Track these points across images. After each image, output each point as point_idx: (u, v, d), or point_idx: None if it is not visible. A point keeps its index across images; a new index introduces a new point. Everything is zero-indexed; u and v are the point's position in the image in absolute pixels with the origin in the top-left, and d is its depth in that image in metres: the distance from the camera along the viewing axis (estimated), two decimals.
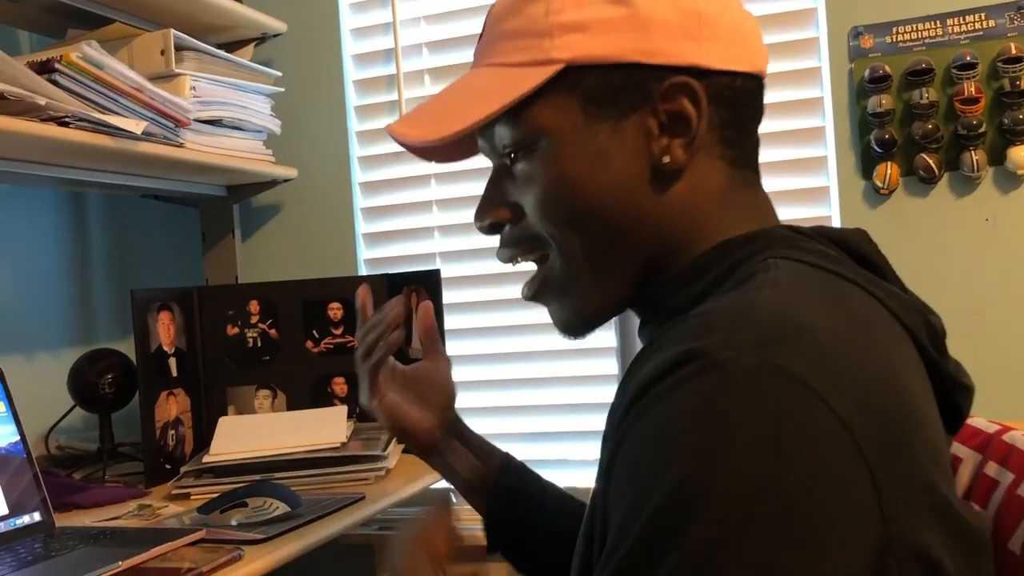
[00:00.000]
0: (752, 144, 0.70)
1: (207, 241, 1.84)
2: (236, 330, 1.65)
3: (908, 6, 1.51)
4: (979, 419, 0.76)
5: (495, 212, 0.71)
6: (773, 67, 1.58)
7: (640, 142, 0.65)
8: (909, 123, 1.50)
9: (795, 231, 0.67)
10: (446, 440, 0.95)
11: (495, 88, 0.66)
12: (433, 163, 0.80)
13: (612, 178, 0.65)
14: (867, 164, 1.54)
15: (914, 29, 1.52)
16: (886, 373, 0.55)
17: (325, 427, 1.48)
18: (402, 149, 0.73)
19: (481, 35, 0.72)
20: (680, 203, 0.66)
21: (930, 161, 1.48)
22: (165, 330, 1.55)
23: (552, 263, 0.69)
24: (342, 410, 1.56)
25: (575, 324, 0.71)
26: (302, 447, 1.41)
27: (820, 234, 0.66)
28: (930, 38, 1.50)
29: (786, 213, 1.52)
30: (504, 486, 0.93)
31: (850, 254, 0.66)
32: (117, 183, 1.55)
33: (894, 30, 1.52)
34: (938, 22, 1.50)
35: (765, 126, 1.58)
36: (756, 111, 0.69)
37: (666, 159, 0.64)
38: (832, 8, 1.56)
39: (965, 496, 0.72)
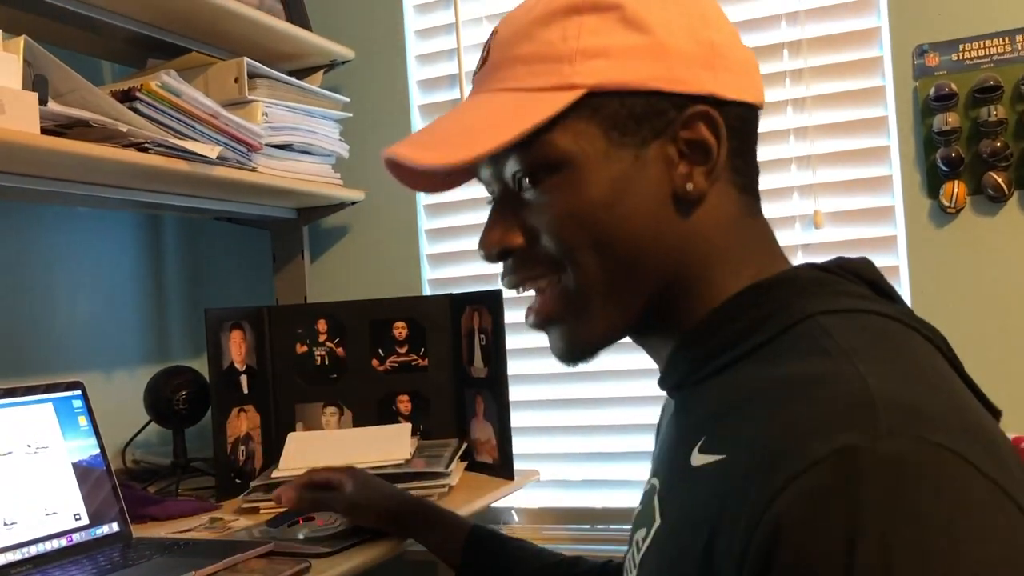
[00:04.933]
0: (755, 172, 0.72)
1: (277, 262, 1.89)
2: (304, 348, 1.69)
3: (975, 23, 1.50)
4: None
5: (508, 238, 0.70)
6: (839, 87, 1.59)
7: (662, 169, 0.66)
8: (976, 141, 1.48)
9: (819, 269, 0.68)
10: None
11: (515, 112, 0.65)
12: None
13: (634, 204, 0.66)
14: (933, 183, 1.52)
15: (981, 46, 1.50)
16: (983, 420, 0.56)
17: (389, 444, 1.51)
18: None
19: (485, 59, 0.72)
20: (699, 230, 0.67)
21: (999, 179, 1.46)
22: (237, 348, 1.60)
23: (566, 285, 0.68)
24: (406, 427, 1.58)
25: (581, 349, 0.71)
26: (367, 463, 1.44)
27: (841, 268, 0.68)
28: (998, 55, 1.48)
29: (852, 232, 1.54)
30: (477, 538, 1.10)
31: (867, 284, 0.67)
32: (192, 206, 1.61)
33: (961, 47, 1.51)
34: (1007, 39, 1.48)
35: (831, 145, 1.58)
36: (756, 140, 0.73)
37: (689, 186, 0.66)
38: (896, 27, 1.55)
39: None
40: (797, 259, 1.61)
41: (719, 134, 0.66)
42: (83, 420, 1.26)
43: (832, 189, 1.60)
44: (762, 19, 1.65)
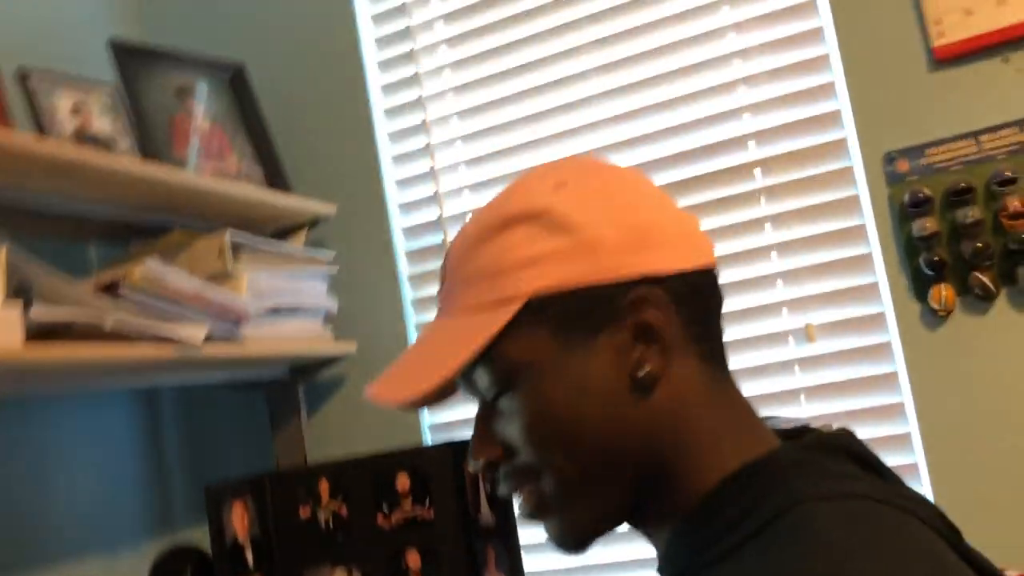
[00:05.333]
0: (719, 336, 0.71)
1: (275, 423, 1.88)
2: (308, 512, 1.66)
3: (939, 127, 1.52)
4: None
5: (487, 452, 0.71)
6: (813, 199, 1.61)
7: (614, 357, 0.66)
8: (957, 242, 1.49)
9: (800, 450, 0.66)
10: None
11: (465, 335, 0.68)
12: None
13: (595, 399, 0.66)
14: (920, 287, 1.52)
15: (948, 149, 1.52)
16: None
17: None
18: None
19: (442, 281, 0.75)
20: (665, 409, 0.66)
21: (984, 279, 1.46)
22: (240, 521, 1.58)
23: (545, 489, 0.69)
24: None
25: (573, 540, 0.71)
26: None
27: (821, 444, 0.66)
28: (965, 156, 1.50)
29: (846, 343, 1.52)
30: None
31: (853, 459, 0.66)
32: (185, 384, 1.61)
33: (927, 152, 1.53)
34: (971, 140, 1.50)
35: (814, 258, 1.57)
36: (717, 302, 0.71)
37: (645, 368, 0.66)
38: (863, 136, 1.57)
39: None
40: (795, 375, 1.61)
41: (663, 311, 0.66)
42: None
43: (821, 301, 1.60)
44: (729, 141, 1.67)
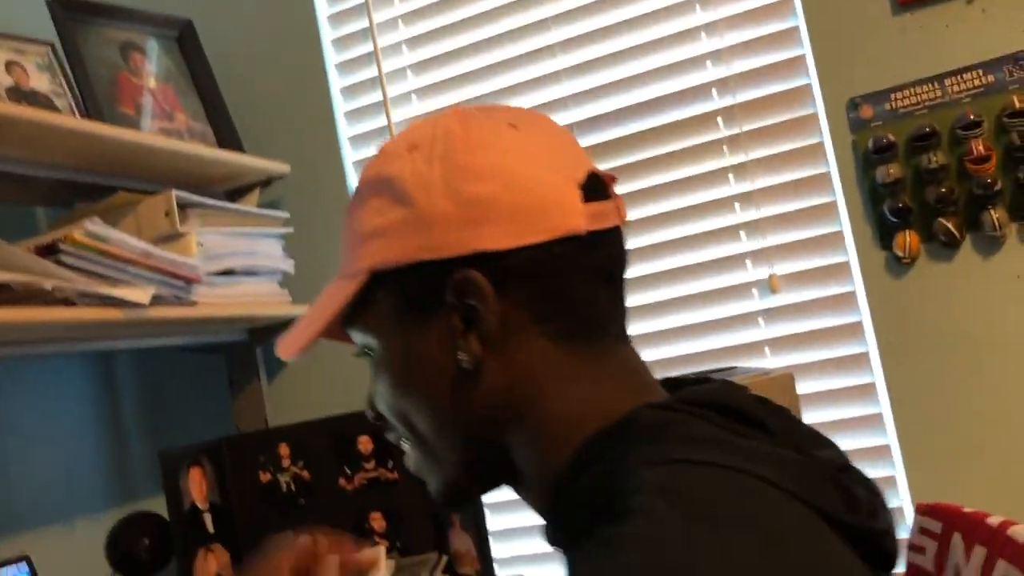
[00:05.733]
0: (587, 310, 0.64)
1: (234, 387, 1.84)
2: (269, 476, 1.63)
3: (903, 71, 1.49)
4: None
5: (370, 406, 0.72)
6: (778, 147, 1.58)
7: (445, 340, 0.64)
8: (922, 189, 1.46)
9: (666, 408, 0.60)
10: None
11: (323, 303, 0.68)
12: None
13: (430, 378, 0.65)
14: (885, 235, 1.50)
15: (912, 93, 1.49)
16: None
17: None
18: None
19: None
20: (501, 391, 0.63)
21: (949, 225, 1.44)
22: (197, 487, 1.54)
23: (410, 447, 0.70)
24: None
25: (441, 499, 0.70)
26: None
27: (691, 402, 0.60)
28: (930, 100, 1.47)
29: (810, 293, 1.50)
30: None
31: (727, 413, 0.60)
32: (138, 347, 1.57)
33: (892, 96, 1.50)
34: (936, 83, 1.47)
35: (778, 208, 1.55)
36: (582, 275, 0.64)
37: (461, 356, 0.62)
38: (826, 82, 1.54)
39: None
40: (760, 328, 1.59)
41: (487, 293, 0.61)
42: None
43: (785, 252, 1.58)
44: (694, 88, 1.64)
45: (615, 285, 0.67)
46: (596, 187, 0.65)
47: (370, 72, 1.85)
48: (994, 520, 0.81)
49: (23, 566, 1.20)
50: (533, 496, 0.66)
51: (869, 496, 0.60)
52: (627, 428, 0.60)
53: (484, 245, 0.62)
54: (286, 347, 0.69)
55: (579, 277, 0.64)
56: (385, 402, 0.68)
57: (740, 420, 0.60)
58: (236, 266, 1.60)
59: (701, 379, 0.69)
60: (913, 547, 0.93)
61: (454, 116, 0.66)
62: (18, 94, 1.41)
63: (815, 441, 0.64)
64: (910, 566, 0.93)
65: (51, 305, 1.23)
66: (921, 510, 0.94)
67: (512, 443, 0.64)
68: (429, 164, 0.64)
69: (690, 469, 0.54)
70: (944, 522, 0.90)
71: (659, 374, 0.69)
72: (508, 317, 0.62)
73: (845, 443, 1.51)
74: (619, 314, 0.67)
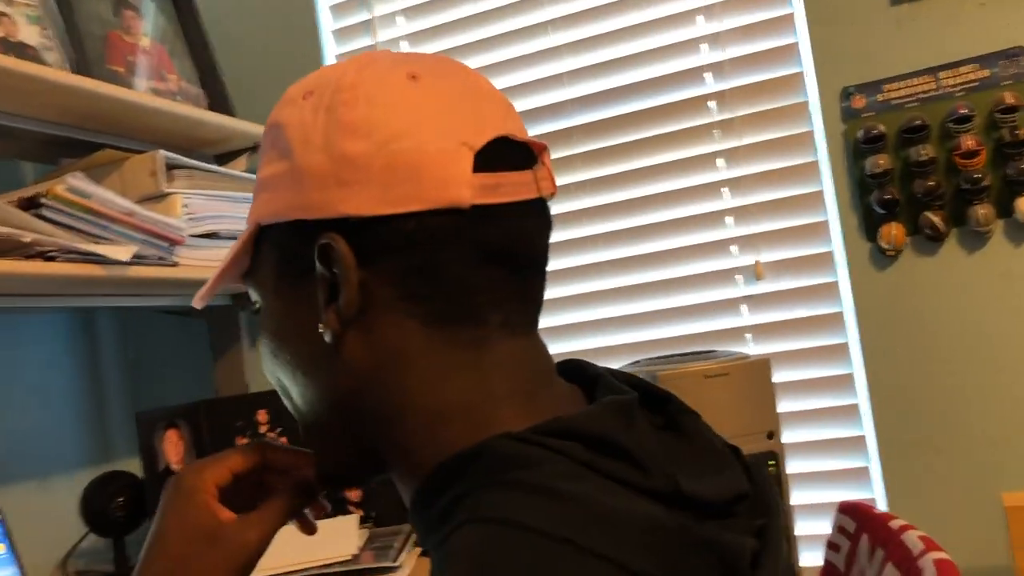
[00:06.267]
0: (463, 294, 0.56)
1: (216, 351, 1.84)
2: (245, 442, 1.63)
3: (897, 62, 1.48)
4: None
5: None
6: (767, 135, 1.57)
7: (309, 307, 0.58)
8: (910, 181, 1.46)
9: (524, 440, 0.53)
10: None
11: (228, 254, 0.63)
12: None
13: (297, 345, 0.60)
14: (870, 226, 1.49)
15: (906, 85, 1.48)
16: None
17: (336, 539, 1.45)
18: None
19: None
20: (363, 372, 0.57)
21: (935, 219, 1.44)
22: (173, 448, 1.54)
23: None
24: (353, 519, 1.52)
25: (322, 479, 0.64)
26: (313, 563, 1.38)
27: (558, 432, 0.53)
28: (923, 93, 1.47)
29: (794, 281, 1.50)
30: None
31: (596, 446, 0.53)
32: (120, 305, 1.56)
33: (884, 88, 1.49)
34: (930, 76, 1.47)
35: (765, 195, 1.55)
36: (461, 253, 0.56)
37: (320, 329, 0.57)
38: (821, 70, 1.53)
39: None
40: (742, 315, 1.59)
41: (340, 265, 0.55)
42: (1, 547, 1.20)
43: (770, 239, 1.58)
44: (686, 71, 1.63)
45: (509, 267, 0.57)
46: (501, 156, 0.57)
47: (365, 41, 1.84)
48: (896, 523, 0.81)
49: None
50: (400, 486, 0.60)
51: (755, 541, 0.52)
52: (476, 461, 0.53)
53: (350, 210, 0.55)
54: (197, 297, 0.67)
55: (457, 255, 0.56)
56: (265, 363, 0.64)
57: (611, 454, 0.52)
58: (220, 229, 1.59)
59: (622, 376, 0.63)
60: (831, 545, 0.93)
61: (355, 62, 0.60)
62: (6, 46, 1.39)
63: (711, 464, 0.57)
64: (826, 563, 0.93)
65: (31, 259, 1.22)
66: (841, 508, 0.94)
67: (375, 428, 0.58)
68: (315, 114, 0.58)
69: (509, 538, 0.48)
70: (858, 522, 0.89)
71: (639, 355, 0.65)
72: (372, 292, 0.56)
73: (821, 433, 1.52)
74: (510, 301, 0.58)
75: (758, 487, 0.57)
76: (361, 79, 0.57)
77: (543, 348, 0.61)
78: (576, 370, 0.64)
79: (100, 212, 1.34)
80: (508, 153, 0.58)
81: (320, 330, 0.57)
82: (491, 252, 0.56)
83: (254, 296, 0.64)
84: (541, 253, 0.60)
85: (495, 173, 0.56)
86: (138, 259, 1.37)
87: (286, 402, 0.64)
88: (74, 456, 1.77)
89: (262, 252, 0.61)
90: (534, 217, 0.59)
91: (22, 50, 1.41)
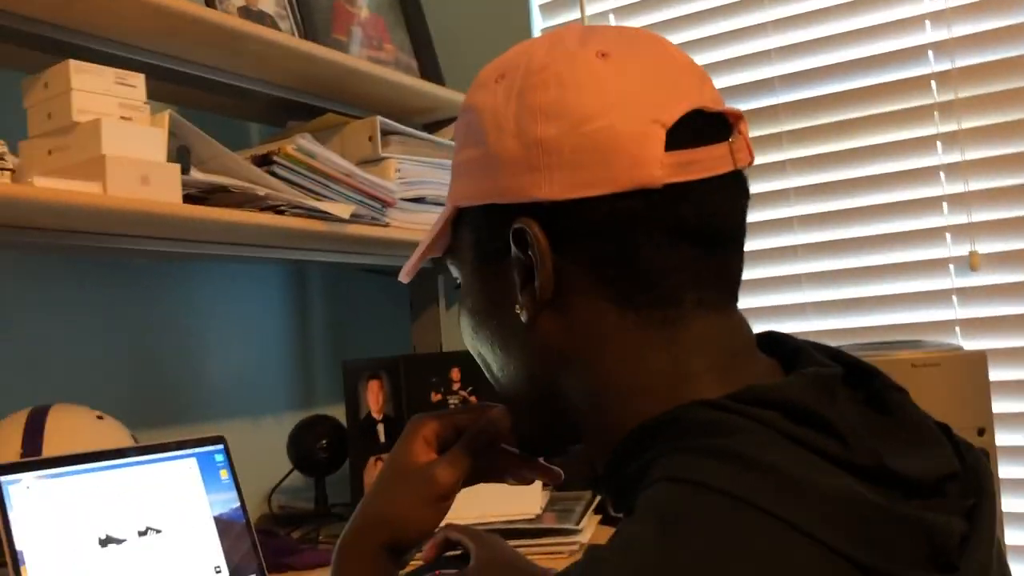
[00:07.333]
0: (656, 275, 0.56)
1: (414, 310, 1.93)
2: (439, 397, 1.70)
3: None
4: None
5: None
6: (994, 118, 1.48)
7: (505, 288, 0.60)
8: None
9: (721, 408, 0.52)
10: None
11: (429, 232, 0.66)
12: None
13: (497, 321, 0.62)
14: None
15: None
16: None
17: (520, 498, 1.49)
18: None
19: None
20: (558, 351, 0.59)
21: None
22: (374, 398, 1.63)
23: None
24: (537, 482, 1.56)
25: (525, 446, 0.70)
26: (497, 518, 1.43)
27: (758, 401, 0.52)
28: None
29: (1013, 276, 1.42)
30: None
31: (798, 416, 0.51)
32: (332, 260, 1.66)
33: None
34: None
35: (988, 182, 1.44)
36: (654, 234, 0.55)
37: (517, 309, 0.59)
38: None
39: None
40: (953, 307, 1.51)
41: (535, 250, 0.56)
42: (224, 474, 1.31)
43: (989, 229, 1.49)
44: (908, 49, 1.56)
45: (704, 245, 0.57)
46: (695, 130, 0.56)
47: (572, 14, 1.86)
48: None
49: (220, 447, 1.32)
50: (593, 453, 0.62)
51: (964, 523, 0.50)
52: (671, 427, 0.54)
53: (541, 194, 0.56)
54: (403, 272, 0.71)
55: (650, 237, 0.55)
56: (465, 336, 0.67)
57: (812, 425, 0.51)
58: (428, 195, 1.67)
59: (825, 350, 0.61)
60: None
61: (545, 41, 0.60)
62: (248, 13, 1.50)
63: (918, 441, 0.54)
64: None
65: (262, 211, 1.33)
66: None
67: (571, 402, 0.61)
68: (507, 99, 0.58)
69: (698, 498, 0.48)
70: None
71: (841, 343, 0.64)
72: (566, 275, 0.57)
73: None
74: (706, 278, 0.57)
75: (969, 467, 0.54)
76: (552, 59, 0.57)
77: (741, 323, 0.60)
78: (777, 343, 0.63)
79: (323, 171, 1.43)
80: (703, 126, 0.57)
81: (516, 311, 0.59)
82: (685, 231, 0.56)
83: (455, 272, 0.67)
84: (737, 227, 0.59)
85: (688, 150, 0.55)
86: (355, 218, 1.45)
87: (487, 374, 0.67)
88: (283, 398, 1.91)
89: (461, 233, 0.64)
90: (730, 189, 0.58)
91: (261, 17, 1.52)
